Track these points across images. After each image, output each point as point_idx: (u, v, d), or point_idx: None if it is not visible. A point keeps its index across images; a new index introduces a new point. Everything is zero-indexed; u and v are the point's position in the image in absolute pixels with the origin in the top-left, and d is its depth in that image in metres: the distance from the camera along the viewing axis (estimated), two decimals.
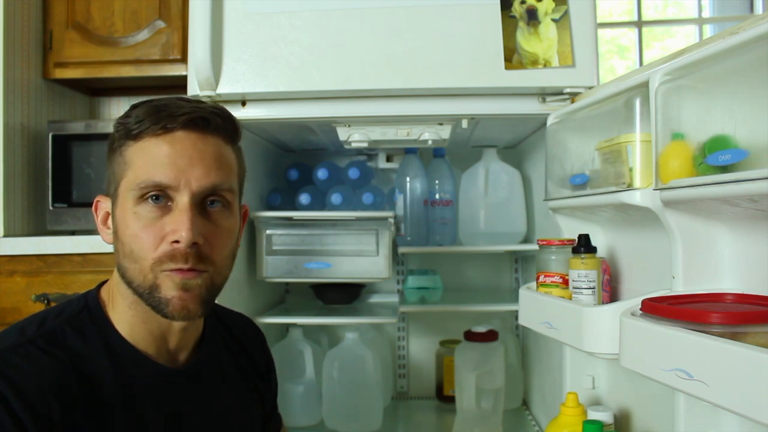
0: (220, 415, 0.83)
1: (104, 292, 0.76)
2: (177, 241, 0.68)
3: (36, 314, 0.73)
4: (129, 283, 0.71)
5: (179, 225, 0.68)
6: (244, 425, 0.88)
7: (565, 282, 0.98)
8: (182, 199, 0.70)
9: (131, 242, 0.70)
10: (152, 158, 0.70)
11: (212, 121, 0.73)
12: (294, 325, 1.60)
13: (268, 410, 0.97)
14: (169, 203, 0.70)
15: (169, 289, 0.69)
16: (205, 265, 0.71)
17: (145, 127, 0.70)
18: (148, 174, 0.69)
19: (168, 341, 0.77)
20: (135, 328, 0.74)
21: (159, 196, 0.69)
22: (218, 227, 0.73)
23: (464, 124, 1.29)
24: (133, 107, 0.73)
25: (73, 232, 1.67)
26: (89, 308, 0.74)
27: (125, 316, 0.73)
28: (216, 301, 1.00)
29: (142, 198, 0.70)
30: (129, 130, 0.71)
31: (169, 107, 0.71)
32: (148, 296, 0.70)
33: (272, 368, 1.00)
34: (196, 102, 0.74)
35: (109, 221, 0.75)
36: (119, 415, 0.70)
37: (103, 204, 0.76)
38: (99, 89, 2.07)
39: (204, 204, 0.72)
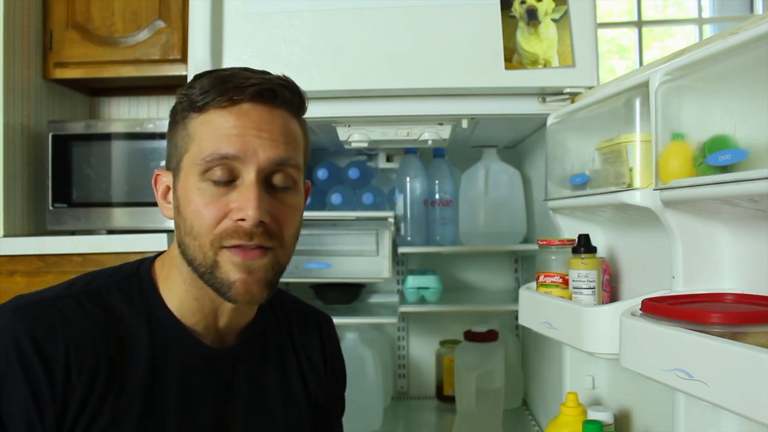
0: (261, 405, 0.79)
1: (159, 264, 0.74)
2: (242, 219, 0.66)
3: (89, 273, 0.72)
4: (190, 261, 0.69)
5: (245, 203, 0.66)
6: (287, 415, 0.83)
7: (565, 282, 0.98)
8: (249, 175, 0.67)
9: (193, 218, 0.67)
10: (218, 130, 0.67)
11: (280, 93, 0.70)
12: None
13: (331, 416, 0.92)
14: (235, 181, 0.67)
15: (231, 271, 0.67)
16: (273, 242, 0.68)
17: (211, 98, 0.67)
18: (214, 146, 0.66)
19: (218, 320, 0.74)
20: (185, 303, 0.72)
21: (225, 170, 0.66)
22: (285, 205, 0.70)
23: (464, 124, 1.29)
24: (197, 77, 0.70)
25: (73, 232, 1.67)
26: (140, 276, 0.72)
27: (178, 290, 0.72)
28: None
29: (206, 172, 0.67)
30: (193, 102, 0.68)
31: (235, 77, 0.68)
32: (209, 276, 0.67)
33: (338, 364, 0.93)
34: (262, 72, 0.71)
35: (170, 196, 0.72)
36: (139, 389, 0.67)
37: (164, 178, 0.73)
38: (99, 89, 2.07)
39: (270, 181, 0.69)
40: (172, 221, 0.72)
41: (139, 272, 0.73)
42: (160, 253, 0.77)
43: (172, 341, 0.71)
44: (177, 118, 0.71)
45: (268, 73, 0.72)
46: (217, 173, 0.67)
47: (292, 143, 0.71)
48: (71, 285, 0.69)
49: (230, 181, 0.67)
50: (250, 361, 0.79)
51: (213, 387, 0.74)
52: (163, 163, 0.78)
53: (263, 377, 0.81)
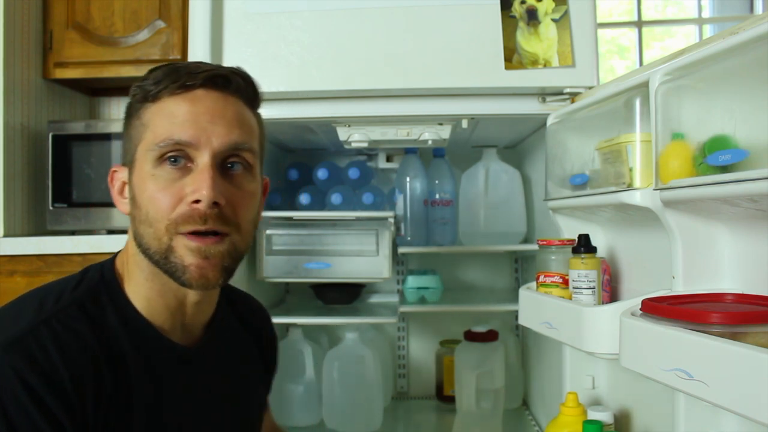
0: (229, 394, 0.82)
1: (119, 265, 0.74)
2: (197, 201, 0.66)
3: (50, 285, 0.70)
4: (145, 251, 0.68)
5: (200, 184, 0.66)
6: (252, 403, 0.87)
7: (565, 282, 0.98)
8: (203, 159, 0.67)
9: (148, 205, 0.67)
10: (172, 117, 0.67)
11: (233, 80, 0.71)
12: (294, 325, 1.60)
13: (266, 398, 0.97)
14: (188, 164, 0.67)
15: (187, 255, 0.67)
16: (229, 228, 0.68)
17: (164, 86, 0.68)
18: (168, 132, 0.67)
19: (184, 315, 0.74)
20: (151, 302, 0.71)
21: (178, 157, 0.67)
22: (240, 189, 0.70)
23: (464, 124, 1.29)
24: (151, 71, 0.70)
25: (73, 232, 1.67)
26: (105, 281, 0.71)
27: (142, 289, 0.71)
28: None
29: (161, 159, 0.67)
30: (147, 92, 0.69)
31: (188, 66, 0.69)
32: (164, 262, 0.67)
33: (276, 348, 0.98)
34: (216, 64, 0.72)
35: (126, 191, 0.72)
36: (139, 392, 0.68)
37: (120, 174, 0.73)
38: (99, 89, 2.07)
39: (225, 165, 0.69)
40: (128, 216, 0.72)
41: (103, 278, 0.72)
42: (117, 254, 0.76)
43: (148, 343, 0.71)
44: (131, 110, 0.71)
45: (220, 67, 0.73)
46: (171, 160, 0.67)
47: (246, 128, 0.71)
48: (40, 306, 0.66)
49: (185, 166, 0.67)
50: (215, 355, 0.80)
51: (185, 384, 0.75)
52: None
53: (228, 369, 0.83)
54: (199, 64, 0.70)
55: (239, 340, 0.87)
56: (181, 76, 0.68)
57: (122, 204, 0.73)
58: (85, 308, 0.67)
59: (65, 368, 0.62)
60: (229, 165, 0.70)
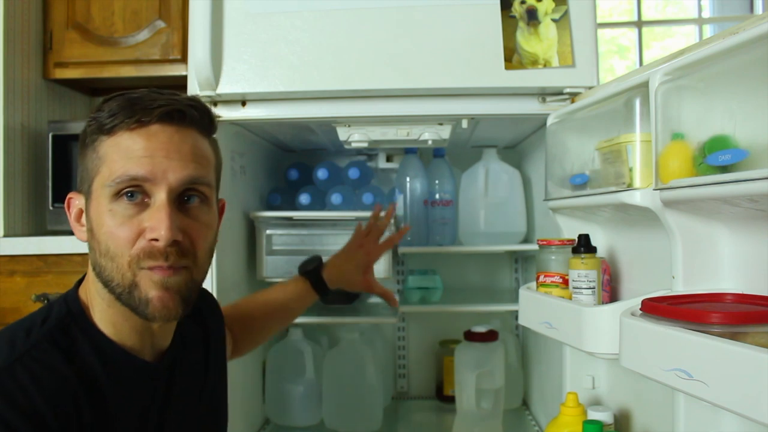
0: (200, 402, 0.85)
1: (82, 295, 0.74)
2: (155, 239, 0.67)
3: (16, 324, 0.70)
4: (106, 283, 0.69)
5: (157, 223, 0.67)
6: (220, 402, 0.91)
7: (565, 282, 0.98)
8: (160, 195, 0.68)
9: (107, 240, 0.68)
10: (127, 152, 0.67)
11: (188, 113, 0.71)
12: (294, 325, 1.60)
13: None
14: (146, 200, 0.68)
15: (149, 288, 0.68)
16: (186, 260, 0.70)
17: (119, 120, 0.68)
18: (124, 168, 0.67)
19: (153, 334, 0.75)
20: (118, 326, 0.72)
21: (135, 192, 0.68)
22: (197, 222, 0.71)
23: (464, 124, 1.29)
24: (106, 101, 0.70)
25: (72, 233, 1.67)
26: (72, 312, 0.71)
27: (107, 315, 0.71)
28: (217, 300, 1.00)
29: (117, 194, 0.68)
30: (102, 125, 0.69)
31: (143, 100, 0.69)
32: (127, 296, 0.68)
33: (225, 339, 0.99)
34: (170, 94, 0.72)
35: (83, 218, 0.73)
36: (119, 416, 0.69)
37: (76, 201, 0.74)
38: (99, 89, 2.07)
39: (181, 199, 0.71)
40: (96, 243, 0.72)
41: (70, 310, 0.72)
42: (80, 281, 0.76)
43: (121, 366, 0.71)
44: (87, 141, 0.71)
45: (177, 94, 0.73)
46: (128, 195, 0.68)
47: (202, 162, 0.72)
48: (11, 345, 0.66)
49: (142, 201, 0.68)
50: (185, 365, 0.82)
51: (162, 400, 0.76)
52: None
53: (197, 376, 0.85)
54: (154, 97, 0.70)
55: (203, 345, 0.89)
56: (136, 111, 0.68)
57: (80, 232, 0.74)
58: (56, 341, 0.67)
59: (46, 404, 0.62)
60: (185, 198, 0.71)
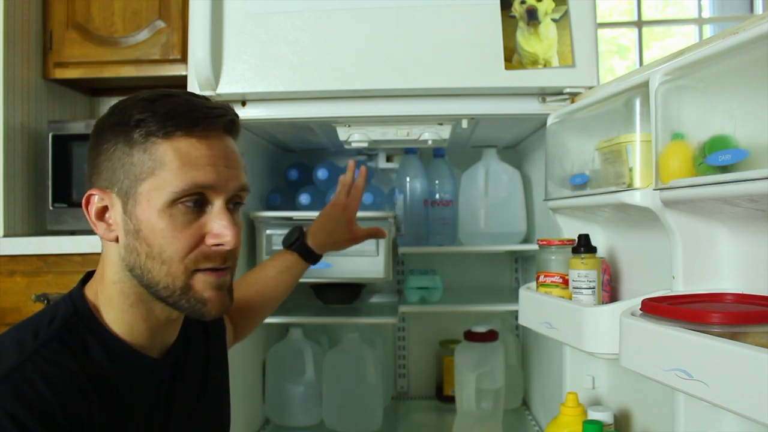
0: (205, 397, 0.86)
1: (91, 295, 0.74)
2: (220, 244, 0.70)
3: (22, 324, 0.70)
4: (150, 285, 0.70)
5: (223, 229, 0.70)
6: (226, 400, 0.94)
7: (565, 282, 0.98)
8: (218, 202, 0.71)
9: (163, 243, 0.68)
10: (190, 159, 0.68)
11: (237, 123, 0.75)
12: (294, 325, 1.60)
13: None
14: (205, 207, 0.71)
15: (205, 289, 0.71)
16: (232, 261, 0.74)
17: (180, 125, 0.68)
18: (190, 176, 0.68)
19: (164, 334, 0.77)
20: (134, 327, 0.73)
21: (198, 199, 0.69)
22: (238, 226, 0.74)
23: (464, 124, 1.29)
24: (148, 99, 0.70)
25: (73, 232, 1.67)
26: (79, 312, 0.71)
27: (125, 315, 0.72)
28: None
29: (180, 199, 0.68)
30: (157, 127, 0.68)
31: (201, 108, 0.70)
32: (179, 297, 0.70)
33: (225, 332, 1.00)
34: (205, 98, 0.74)
35: (108, 217, 0.71)
36: (129, 413, 0.70)
37: (98, 198, 0.71)
38: (99, 89, 2.07)
39: (228, 205, 0.73)
40: (110, 242, 0.72)
41: (77, 309, 0.72)
42: (84, 283, 0.76)
43: (130, 364, 0.72)
44: (133, 140, 0.69)
45: (207, 99, 0.74)
46: (192, 201, 0.69)
47: (243, 169, 0.76)
48: (20, 345, 0.66)
49: (201, 207, 0.70)
50: (188, 360, 0.83)
51: (167, 396, 0.78)
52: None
53: (200, 371, 0.87)
54: (208, 104, 0.72)
55: (204, 338, 0.90)
56: (199, 119, 0.69)
57: (105, 230, 0.72)
58: (65, 341, 0.68)
59: (56, 402, 0.62)
60: (232, 204, 0.74)
